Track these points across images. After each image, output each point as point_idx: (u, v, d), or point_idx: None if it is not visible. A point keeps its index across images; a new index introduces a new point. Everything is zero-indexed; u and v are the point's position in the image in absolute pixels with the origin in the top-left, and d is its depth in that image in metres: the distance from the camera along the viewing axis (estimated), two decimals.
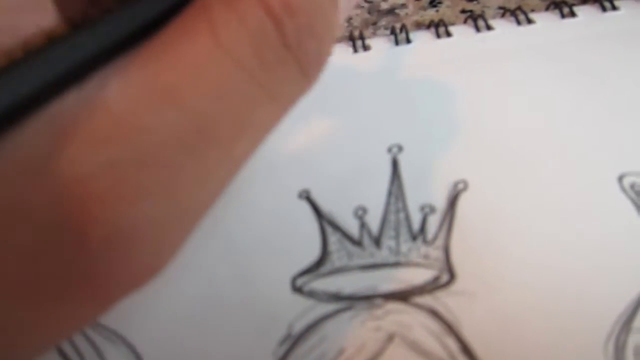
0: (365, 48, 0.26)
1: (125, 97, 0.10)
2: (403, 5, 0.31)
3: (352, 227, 0.20)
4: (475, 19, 0.26)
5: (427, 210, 0.20)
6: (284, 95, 0.13)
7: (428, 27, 0.27)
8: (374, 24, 0.31)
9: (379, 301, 0.19)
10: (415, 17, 0.30)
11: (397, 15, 0.31)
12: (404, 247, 0.19)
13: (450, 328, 0.18)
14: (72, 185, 0.10)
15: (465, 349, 0.17)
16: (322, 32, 0.13)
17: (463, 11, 0.30)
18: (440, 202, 0.20)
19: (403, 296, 0.19)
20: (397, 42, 0.26)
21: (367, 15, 0.31)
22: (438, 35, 0.26)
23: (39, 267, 0.10)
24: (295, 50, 0.13)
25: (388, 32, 0.28)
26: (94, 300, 0.11)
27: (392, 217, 0.20)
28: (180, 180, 0.11)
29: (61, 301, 0.11)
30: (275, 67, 0.12)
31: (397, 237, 0.20)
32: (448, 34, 0.26)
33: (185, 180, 0.11)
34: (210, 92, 0.11)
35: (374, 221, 0.20)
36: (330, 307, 0.19)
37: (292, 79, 0.13)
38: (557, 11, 0.25)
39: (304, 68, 0.13)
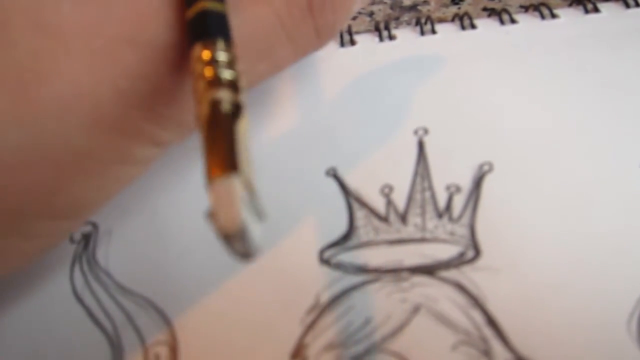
0: (391, 38, 0.26)
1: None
2: (425, 2, 0.32)
3: (379, 204, 0.20)
4: (499, 13, 0.27)
5: (452, 190, 0.20)
6: (299, 45, 0.18)
7: (452, 20, 0.28)
8: (397, 19, 0.31)
9: (405, 274, 0.19)
10: (438, 14, 0.31)
11: (420, 11, 0.31)
12: (430, 224, 0.20)
13: (476, 301, 0.18)
14: None
15: (491, 321, 0.18)
16: (340, 9, 0.18)
17: (485, 9, 0.30)
18: (465, 182, 0.21)
19: (429, 270, 0.19)
20: (422, 33, 0.26)
21: (389, 11, 0.32)
22: (463, 27, 0.26)
23: None
24: (316, 15, 0.18)
25: (411, 26, 0.29)
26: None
27: (418, 196, 0.20)
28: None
29: None
30: (299, 22, 0.17)
31: (423, 214, 0.20)
32: (473, 27, 0.26)
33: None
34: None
35: (400, 199, 0.20)
36: (357, 278, 0.19)
37: (308, 35, 0.18)
38: (580, 7, 0.26)
39: (319, 31, 0.18)
